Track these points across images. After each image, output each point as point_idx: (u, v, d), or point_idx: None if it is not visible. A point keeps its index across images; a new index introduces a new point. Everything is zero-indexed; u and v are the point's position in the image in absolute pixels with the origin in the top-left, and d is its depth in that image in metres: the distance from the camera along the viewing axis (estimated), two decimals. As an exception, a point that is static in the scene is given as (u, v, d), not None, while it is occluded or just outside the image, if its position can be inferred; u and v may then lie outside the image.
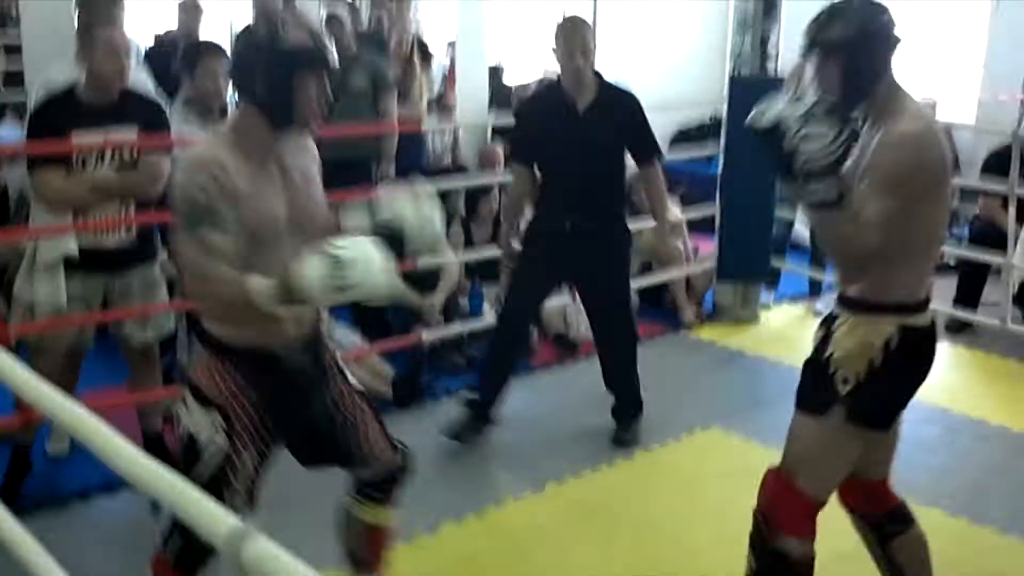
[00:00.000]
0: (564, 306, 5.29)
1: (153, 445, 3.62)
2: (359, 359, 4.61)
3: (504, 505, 3.68)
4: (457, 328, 4.97)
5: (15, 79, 5.86)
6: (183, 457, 2.33)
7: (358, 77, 5.46)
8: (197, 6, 5.76)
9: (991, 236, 5.47)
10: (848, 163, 2.34)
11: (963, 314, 5.54)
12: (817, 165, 2.27)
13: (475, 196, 5.61)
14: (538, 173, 4.12)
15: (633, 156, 4.09)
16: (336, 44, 5.57)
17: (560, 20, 3.95)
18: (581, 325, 5.36)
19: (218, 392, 2.30)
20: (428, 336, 4.73)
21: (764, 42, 5.55)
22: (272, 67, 2.18)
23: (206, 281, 2.20)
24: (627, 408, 4.29)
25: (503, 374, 4.19)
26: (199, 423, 2.31)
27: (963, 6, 8.26)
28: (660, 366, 4.94)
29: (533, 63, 8.69)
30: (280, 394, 2.35)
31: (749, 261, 5.67)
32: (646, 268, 5.93)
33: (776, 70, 5.68)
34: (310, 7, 6.49)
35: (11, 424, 3.59)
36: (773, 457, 3.88)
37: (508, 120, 6.74)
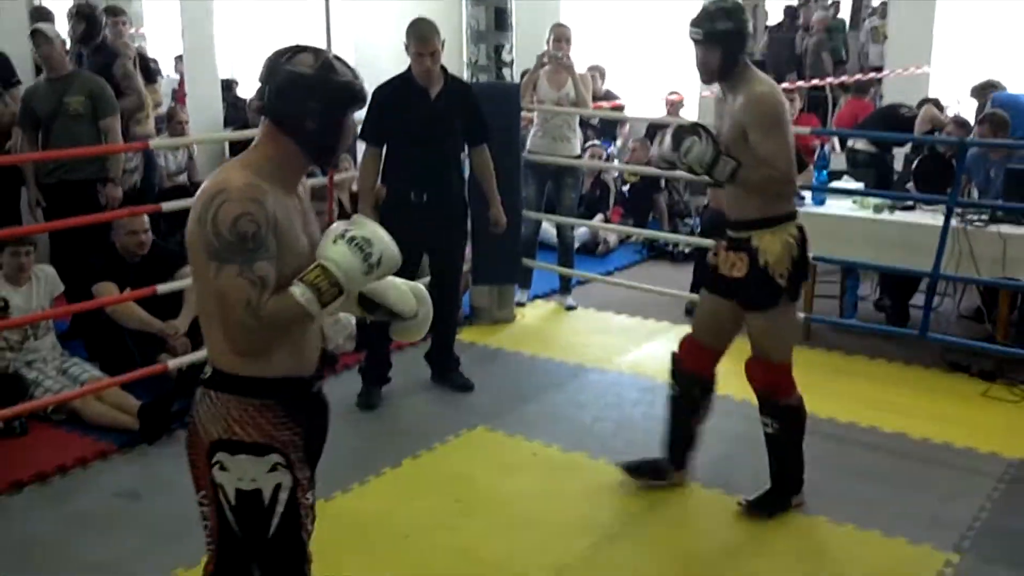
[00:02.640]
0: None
1: None
2: (100, 393, 4.29)
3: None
4: (204, 353, 4.69)
5: None
6: (246, 522, 2.13)
7: (76, 96, 5.08)
8: None
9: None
10: (722, 135, 3.35)
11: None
12: (708, 158, 3.27)
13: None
14: (383, 153, 4.55)
15: (470, 137, 4.63)
16: (46, 62, 5.16)
17: (412, 21, 4.43)
18: (339, 336, 5.25)
19: (264, 433, 2.10)
20: (174, 363, 4.45)
21: (499, 51, 5.68)
22: (327, 106, 2.06)
23: (252, 316, 1.97)
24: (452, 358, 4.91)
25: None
26: (255, 474, 2.09)
27: (676, 14, 8.81)
28: (422, 371, 4.91)
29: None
30: (314, 423, 2.23)
31: (502, 263, 5.75)
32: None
33: (512, 76, 5.80)
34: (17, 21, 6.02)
35: None
36: (537, 449, 3.96)
37: (245, 135, 6.55)
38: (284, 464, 2.12)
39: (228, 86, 7.69)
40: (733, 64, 3.33)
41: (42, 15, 6.30)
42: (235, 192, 1.99)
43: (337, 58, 2.11)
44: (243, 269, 1.97)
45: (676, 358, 3.74)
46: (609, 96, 8.73)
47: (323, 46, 8.34)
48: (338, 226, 2.07)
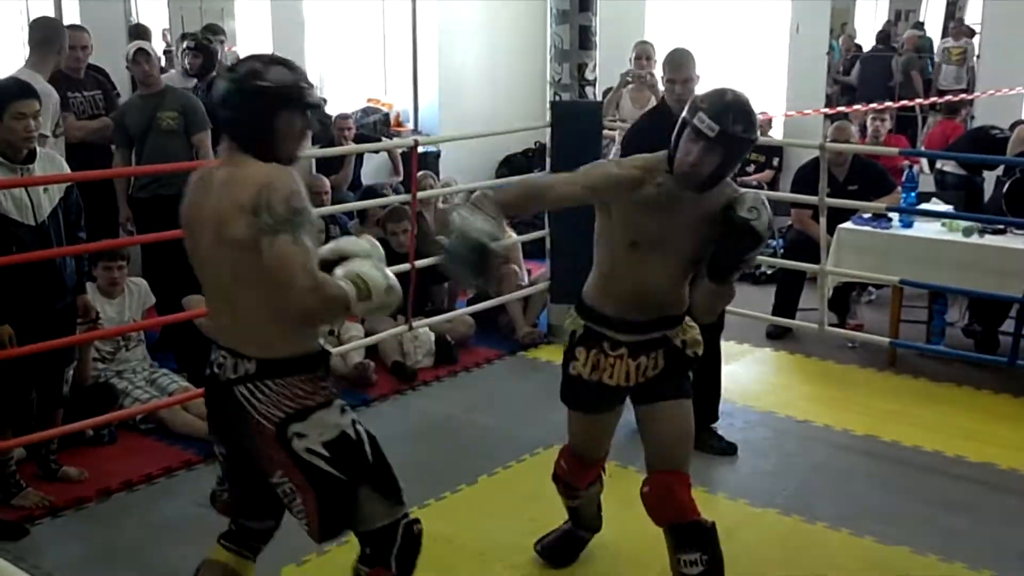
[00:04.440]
0: (400, 334, 5.22)
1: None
2: (186, 404, 4.40)
3: (347, 543, 3.55)
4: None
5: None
6: (346, 462, 2.36)
7: (168, 112, 5.24)
8: None
9: (804, 246, 5.74)
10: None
11: (783, 321, 5.77)
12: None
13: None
14: None
15: None
16: (143, 79, 5.34)
17: (669, 52, 4.32)
18: (418, 353, 5.31)
19: (323, 394, 2.37)
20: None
21: (581, 70, 5.69)
22: (255, 107, 2.26)
23: (310, 277, 2.19)
24: None
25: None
26: (334, 421, 2.36)
27: (766, 36, 8.76)
28: (499, 388, 4.93)
29: (357, 93, 8.62)
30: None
31: (581, 282, 5.73)
32: (481, 293, 5.93)
33: (595, 95, 5.82)
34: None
35: None
36: (613, 470, 3.94)
37: (332, 152, 6.66)
38: (346, 405, 2.42)
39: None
40: (724, 173, 2.78)
41: (140, 33, 6.52)
42: (280, 173, 2.24)
43: (279, 61, 2.33)
44: (295, 238, 2.18)
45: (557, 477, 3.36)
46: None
47: (411, 68, 8.47)
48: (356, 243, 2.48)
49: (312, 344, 2.40)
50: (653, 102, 6.06)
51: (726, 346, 5.77)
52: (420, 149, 5.46)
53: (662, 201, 2.79)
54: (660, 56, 6.21)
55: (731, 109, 2.70)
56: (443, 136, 7.86)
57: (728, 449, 4.32)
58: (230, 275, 2.28)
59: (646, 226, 2.81)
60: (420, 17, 8.49)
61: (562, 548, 3.45)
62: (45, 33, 4.77)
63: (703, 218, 2.79)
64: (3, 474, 3.75)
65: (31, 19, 6.00)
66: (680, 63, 4.26)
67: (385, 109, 8.51)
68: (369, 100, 8.51)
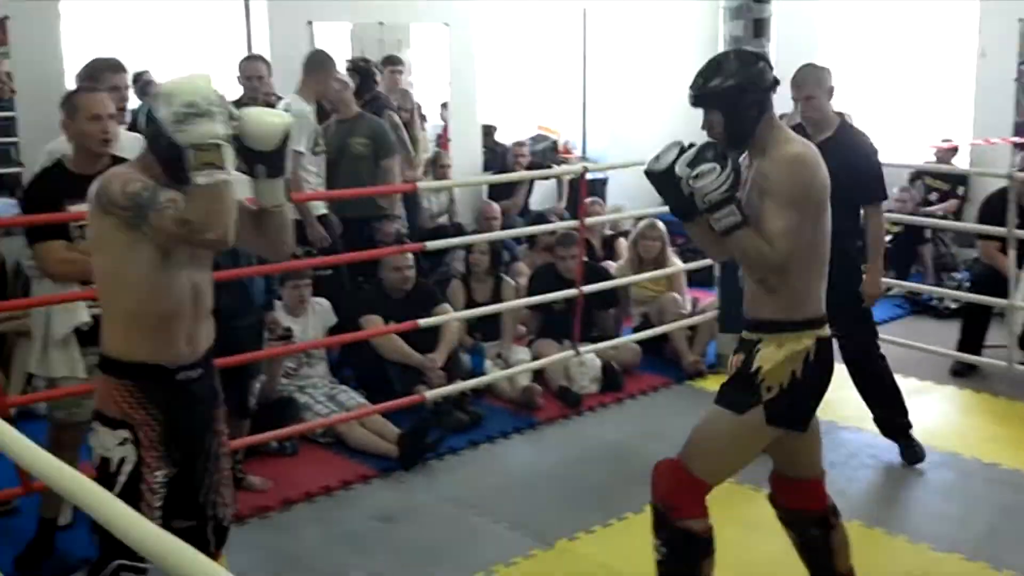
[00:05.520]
0: (566, 359, 5.25)
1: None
2: (363, 419, 4.57)
3: (514, 564, 3.61)
4: (459, 386, 4.91)
5: (6, 155, 5.92)
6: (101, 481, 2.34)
7: (360, 138, 5.47)
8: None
9: (992, 280, 5.46)
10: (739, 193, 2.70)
11: (968, 357, 5.50)
12: (716, 196, 2.63)
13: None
14: None
15: (859, 193, 4.16)
16: (338, 105, 5.59)
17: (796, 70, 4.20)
18: (584, 378, 5.33)
19: (120, 411, 2.46)
20: (431, 395, 4.68)
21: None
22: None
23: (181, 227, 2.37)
24: None
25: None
26: (108, 444, 2.45)
27: (951, 60, 8.39)
28: (665, 417, 4.89)
29: (525, 120, 8.77)
30: (175, 410, 2.52)
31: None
32: (646, 321, 5.91)
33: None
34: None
35: (13, 494, 3.56)
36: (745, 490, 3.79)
37: (505, 178, 6.81)
38: (132, 440, 2.44)
39: (488, 131, 8.04)
40: (745, 126, 2.73)
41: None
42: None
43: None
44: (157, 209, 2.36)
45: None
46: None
47: (580, 95, 8.55)
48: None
49: (131, 353, 2.48)
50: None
51: (906, 382, 5.56)
52: (588, 176, 5.50)
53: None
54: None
55: (699, 72, 2.77)
56: (611, 163, 7.89)
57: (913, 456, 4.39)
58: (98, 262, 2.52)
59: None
60: (590, 45, 8.57)
61: None
62: (310, 62, 5.27)
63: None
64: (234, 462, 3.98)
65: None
66: (799, 82, 4.19)
67: (553, 136, 8.62)
68: (539, 128, 8.65)
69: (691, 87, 2.77)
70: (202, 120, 2.29)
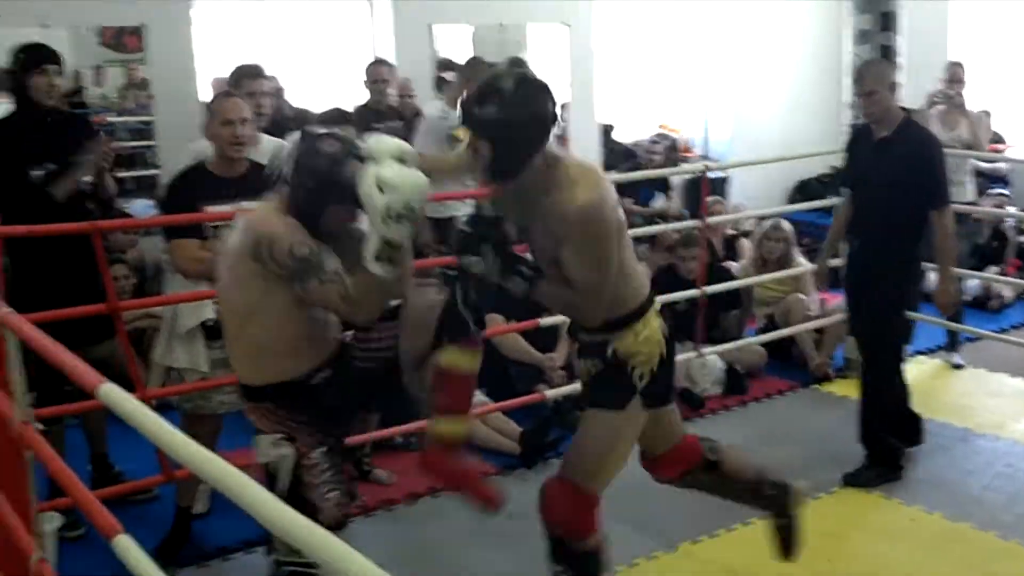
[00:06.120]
0: (688, 360, 5.19)
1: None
2: (484, 417, 4.60)
3: (636, 566, 3.58)
4: (580, 385, 4.88)
5: (144, 158, 6.19)
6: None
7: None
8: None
9: None
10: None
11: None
12: (494, 279, 2.63)
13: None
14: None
15: (923, 195, 4.03)
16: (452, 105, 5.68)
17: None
18: (706, 380, 5.25)
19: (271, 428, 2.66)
20: (551, 393, 4.68)
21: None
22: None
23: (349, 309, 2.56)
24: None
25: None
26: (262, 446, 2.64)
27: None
28: (792, 421, 4.79)
29: (644, 119, 8.71)
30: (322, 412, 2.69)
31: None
32: (771, 323, 5.78)
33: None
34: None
35: (155, 482, 3.71)
36: (916, 515, 3.71)
37: (626, 177, 6.78)
38: (287, 438, 2.62)
39: (606, 131, 8.01)
40: (513, 162, 2.52)
41: (447, 66, 6.95)
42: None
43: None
44: (322, 279, 2.52)
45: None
46: (997, 140, 8.06)
47: (701, 93, 8.44)
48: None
49: (273, 376, 2.62)
50: (963, 125, 5.70)
51: (1013, 382, 5.31)
52: (709, 175, 5.42)
53: None
54: (969, 77, 5.85)
55: (477, 91, 2.56)
56: (732, 161, 7.77)
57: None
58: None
59: None
60: (712, 42, 8.46)
61: None
62: (465, 67, 5.47)
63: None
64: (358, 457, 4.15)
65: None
66: (860, 77, 4.09)
67: (674, 135, 8.54)
68: (660, 126, 8.57)
69: (462, 105, 2.61)
70: (408, 224, 2.45)
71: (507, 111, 2.47)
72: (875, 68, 4.09)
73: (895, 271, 4.13)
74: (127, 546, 1.82)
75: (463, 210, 5.29)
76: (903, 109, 4.16)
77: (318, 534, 1.32)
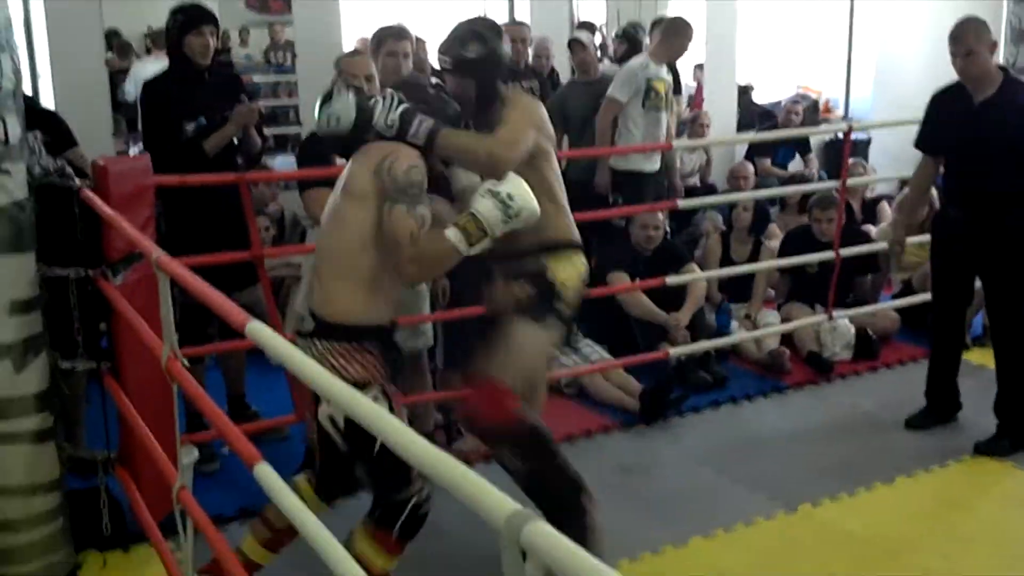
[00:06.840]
0: (818, 324, 5.12)
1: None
2: (606, 372, 4.66)
3: (755, 524, 3.59)
4: (704, 345, 4.90)
5: (287, 116, 6.44)
6: (354, 441, 2.62)
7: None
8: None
9: None
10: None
11: None
12: (396, 113, 2.71)
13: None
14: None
15: None
16: (580, 66, 5.70)
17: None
18: (836, 344, 5.17)
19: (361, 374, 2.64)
20: (675, 352, 4.70)
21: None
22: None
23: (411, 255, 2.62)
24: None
25: (949, 369, 4.37)
26: None
27: None
28: (921, 388, 4.65)
29: (784, 80, 8.52)
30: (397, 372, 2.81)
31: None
32: (908, 288, 5.63)
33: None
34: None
35: (287, 421, 3.92)
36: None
37: (761, 137, 6.66)
38: (383, 395, 2.63)
39: (744, 91, 7.87)
40: (492, 93, 3.00)
41: (584, 27, 6.97)
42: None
43: None
44: (409, 209, 2.57)
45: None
46: None
47: (845, 53, 8.17)
48: (490, 182, 2.65)
49: (373, 317, 2.63)
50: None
51: None
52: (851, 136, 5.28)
53: None
54: None
55: (454, 36, 3.01)
56: (876, 121, 7.52)
57: None
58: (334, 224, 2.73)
59: None
60: (858, 2, 8.17)
61: None
62: (670, 27, 5.43)
63: None
64: (449, 422, 4.22)
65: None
66: (955, 36, 3.91)
67: (814, 95, 8.33)
68: (800, 87, 8.38)
69: (444, 52, 2.99)
70: (503, 216, 2.60)
71: (487, 49, 2.96)
72: (974, 27, 3.87)
73: (1021, 243, 3.96)
74: (267, 472, 1.97)
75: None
76: (1000, 68, 3.99)
77: (468, 476, 1.34)
